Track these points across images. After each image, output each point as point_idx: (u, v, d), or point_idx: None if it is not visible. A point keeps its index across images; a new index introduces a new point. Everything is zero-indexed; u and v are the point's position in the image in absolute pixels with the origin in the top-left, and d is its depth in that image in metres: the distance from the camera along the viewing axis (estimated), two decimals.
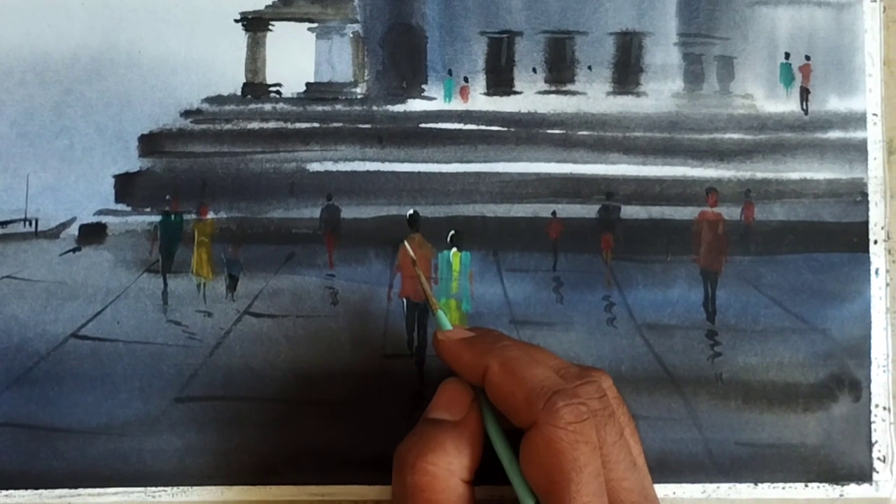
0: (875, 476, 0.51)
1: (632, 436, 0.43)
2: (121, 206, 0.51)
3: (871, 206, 0.52)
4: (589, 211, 0.52)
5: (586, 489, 0.38)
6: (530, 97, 0.53)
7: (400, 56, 0.53)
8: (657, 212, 0.52)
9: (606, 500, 0.39)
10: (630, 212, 0.52)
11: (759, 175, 0.52)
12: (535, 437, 0.40)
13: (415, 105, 0.52)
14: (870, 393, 0.51)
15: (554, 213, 0.52)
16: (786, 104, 0.53)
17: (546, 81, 0.53)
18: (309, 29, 0.52)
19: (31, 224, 0.50)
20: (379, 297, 0.51)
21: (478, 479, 0.42)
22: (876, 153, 0.53)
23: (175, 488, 0.50)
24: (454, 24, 0.53)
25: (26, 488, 0.49)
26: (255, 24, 0.52)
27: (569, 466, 0.38)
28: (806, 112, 0.53)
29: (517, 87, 0.53)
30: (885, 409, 0.51)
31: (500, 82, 0.53)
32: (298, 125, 0.52)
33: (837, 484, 0.51)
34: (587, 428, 0.39)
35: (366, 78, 0.53)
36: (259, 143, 0.52)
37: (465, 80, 0.52)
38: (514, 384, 0.41)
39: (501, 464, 0.42)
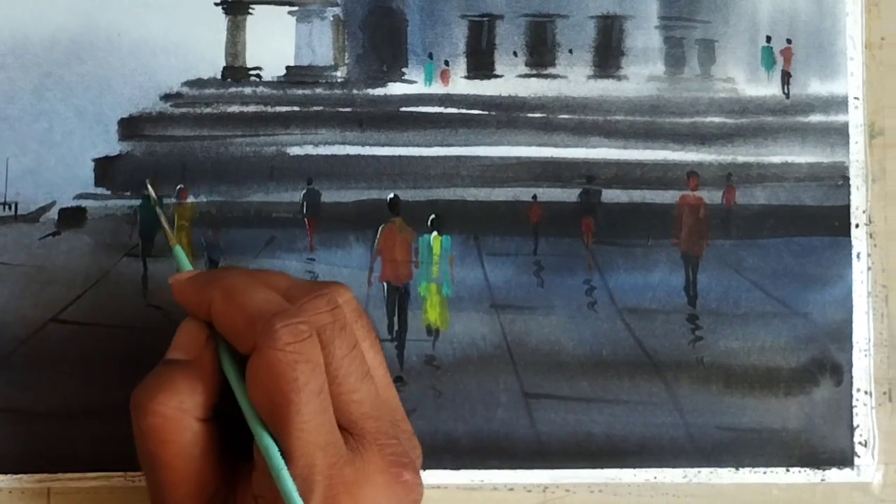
0: (857, 460, 0.51)
1: (371, 348, 0.43)
2: (101, 190, 0.51)
3: (853, 189, 0.53)
4: (570, 195, 0.52)
5: (307, 408, 0.38)
6: (511, 81, 0.53)
7: (380, 39, 0.53)
8: (638, 195, 0.53)
9: (332, 416, 0.39)
10: (611, 195, 0.52)
11: (741, 159, 0.53)
12: (255, 361, 0.39)
13: (395, 88, 0.52)
14: (851, 377, 0.52)
15: (535, 196, 0.52)
16: (767, 88, 0.53)
17: (527, 65, 0.53)
18: (289, 12, 0.53)
19: (10, 208, 0.50)
20: (359, 282, 0.51)
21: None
22: (857, 137, 0.53)
23: None
24: (435, 7, 0.53)
25: (5, 473, 0.49)
26: (235, 7, 0.52)
27: (288, 387, 0.38)
28: (787, 95, 0.53)
29: (498, 71, 0.53)
30: (866, 393, 0.52)
31: (481, 66, 0.53)
32: (279, 109, 0.52)
33: (819, 468, 0.51)
34: (307, 347, 0.39)
35: (346, 61, 0.53)
36: (239, 127, 0.52)
37: (446, 63, 0.53)
38: (235, 311, 0.41)
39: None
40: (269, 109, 0.52)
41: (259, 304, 0.40)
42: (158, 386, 0.41)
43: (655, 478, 0.51)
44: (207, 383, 0.42)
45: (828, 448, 0.51)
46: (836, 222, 0.52)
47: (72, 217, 0.51)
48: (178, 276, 0.44)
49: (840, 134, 0.53)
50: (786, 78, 0.53)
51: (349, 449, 0.40)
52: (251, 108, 0.52)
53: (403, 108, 0.52)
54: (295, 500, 0.38)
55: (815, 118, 0.53)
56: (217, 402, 0.42)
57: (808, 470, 0.51)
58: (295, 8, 0.53)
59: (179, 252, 0.45)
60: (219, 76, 0.52)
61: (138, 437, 0.42)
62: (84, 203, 0.51)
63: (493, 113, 0.52)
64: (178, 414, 0.41)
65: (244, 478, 0.42)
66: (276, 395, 0.39)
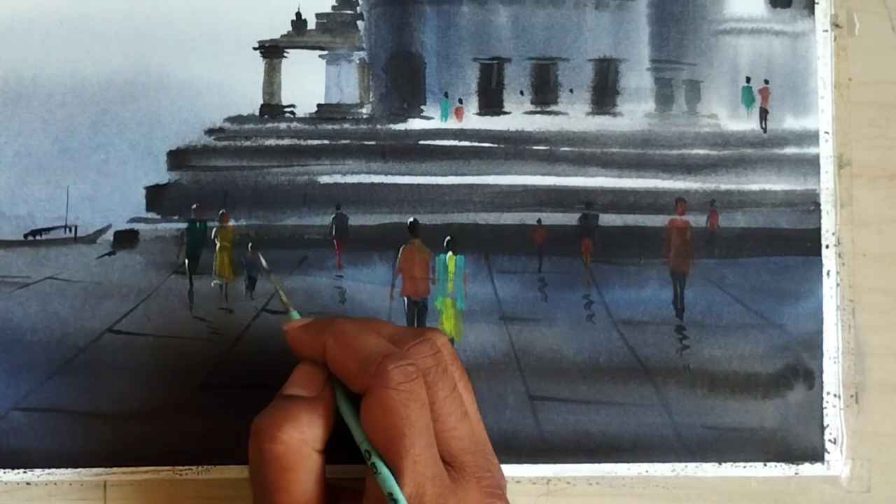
0: (827, 456, 0.52)
1: (465, 388, 0.44)
2: (151, 215, 0.51)
3: (824, 214, 0.53)
4: (570, 219, 0.52)
5: (419, 442, 0.39)
6: (518, 117, 0.53)
7: (401, 80, 0.53)
8: (631, 219, 0.53)
9: (436, 451, 0.40)
10: (607, 219, 0.53)
11: (723, 187, 0.53)
12: (369, 400, 0.40)
13: (415, 124, 0.53)
14: (822, 382, 0.52)
15: (539, 220, 0.52)
16: (747, 123, 0.53)
17: (532, 103, 0.53)
18: (320, 56, 0.53)
19: (70, 230, 0.51)
20: (382, 296, 0.52)
21: (333, 456, 0.43)
22: (827, 167, 0.53)
23: (200, 467, 0.50)
24: (450, 51, 0.53)
25: (66, 467, 0.50)
26: (271, 51, 0.52)
27: (401, 423, 0.39)
28: (765, 130, 0.53)
29: (506, 108, 0.53)
30: (835, 396, 0.52)
31: (491, 103, 0.53)
32: (310, 142, 0.52)
33: (793, 463, 0.52)
34: (416, 386, 0.40)
35: (371, 100, 0.53)
36: (275, 158, 0.52)
37: (460, 101, 0.53)
38: (348, 355, 0.41)
39: (352, 434, 0.42)
40: (302, 142, 0.52)
41: (371, 348, 0.41)
42: (284, 416, 0.41)
43: (647, 472, 0.51)
44: (326, 418, 0.42)
45: (801, 445, 0.51)
46: (808, 243, 0.52)
47: (125, 239, 0.51)
48: (292, 322, 0.44)
49: (812, 165, 0.53)
50: (763, 114, 0.53)
51: (451, 480, 0.41)
52: (286, 142, 0.52)
53: (422, 142, 0.52)
54: None
55: (790, 150, 0.53)
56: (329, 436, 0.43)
57: (783, 464, 0.51)
58: (325, 52, 0.53)
59: (295, 315, 0.45)
60: (257, 113, 0.52)
61: (258, 461, 0.41)
62: (136, 226, 0.51)
63: (501, 146, 0.53)
64: (300, 444, 0.41)
65: (350, 501, 0.43)
66: (390, 430, 0.39)
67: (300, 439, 0.41)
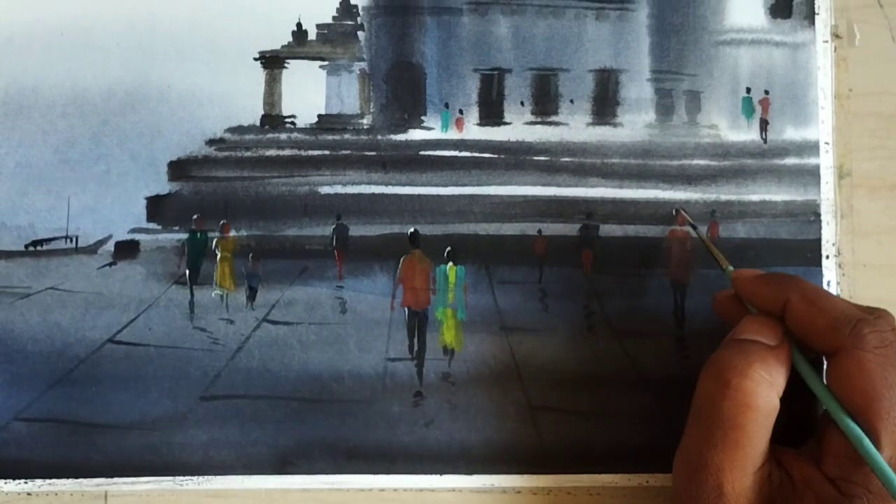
0: None
1: None
2: (152, 225, 0.52)
3: (824, 225, 0.53)
4: (571, 229, 0.52)
5: (894, 404, 0.40)
6: (518, 127, 0.53)
7: (402, 91, 0.53)
8: (632, 230, 0.53)
9: None
10: (608, 230, 0.52)
11: (724, 197, 0.53)
12: (843, 361, 0.41)
13: (415, 134, 0.53)
14: None
15: (540, 231, 0.52)
16: (747, 134, 0.53)
17: (532, 113, 0.53)
18: (320, 66, 0.53)
19: (71, 241, 0.51)
20: (383, 307, 0.52)
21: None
22: (828, 178, 0.53)
23: (201, 477, 0.51)
24: (450, 62, 0.53)
25: (67, 478, 0.50)
26: (272, 62, 0.52)
27: (880, 385, 0.40)
28: (765, 141, 0.53)
29: (507, 119, 0.53)
30: None
31: (492, 114, 0.53)
32: (311, 152, 0.52)
33: None
34: (890, 352, 0.41)
35: (371, 110, 0.53)
36: (276, 169, 0.52)
37: (461, 112, 0.53)
38: (816, 313, 0.42)
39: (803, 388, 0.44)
40: (303, 153, 0.52)
41: (841, 310, 0.42)
42: (755, 355, 0.42)
43: (647, 482, 0.51)
44: (786, 368, 0.43)
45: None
46: (808, 254, 0.52)
47: (126, 249, 0.51)
48: (742, 271, 0.46)
49: (812, 175, 0.53)
50: (764, 125, 0.53)
51: None
52: (286, 152, 0.52)
53: (423, 152, 0.52)
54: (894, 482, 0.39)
55: (790, 161, 0.53)
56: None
57: None
58: (325, 63, 0.53)
59: (730, 268, 0.48)
60: (257, 123, 0.52)
61: (717, 395, 0.42)
62: (137, 237, 0.51)
63: (502, 156, 0.53)
64: (767, 384, 0.42)
65: (797, 460, 0.43)
66: (868, 392, 0.40)
67: (769, 381, 0.42)
